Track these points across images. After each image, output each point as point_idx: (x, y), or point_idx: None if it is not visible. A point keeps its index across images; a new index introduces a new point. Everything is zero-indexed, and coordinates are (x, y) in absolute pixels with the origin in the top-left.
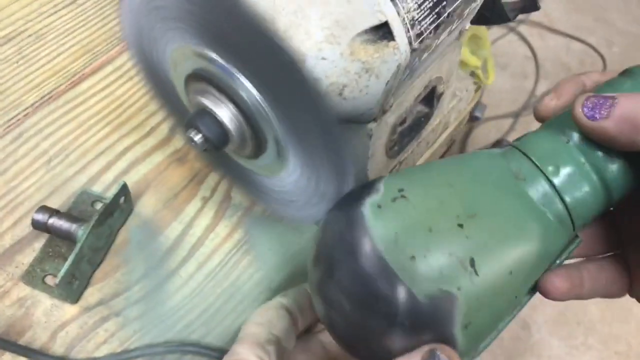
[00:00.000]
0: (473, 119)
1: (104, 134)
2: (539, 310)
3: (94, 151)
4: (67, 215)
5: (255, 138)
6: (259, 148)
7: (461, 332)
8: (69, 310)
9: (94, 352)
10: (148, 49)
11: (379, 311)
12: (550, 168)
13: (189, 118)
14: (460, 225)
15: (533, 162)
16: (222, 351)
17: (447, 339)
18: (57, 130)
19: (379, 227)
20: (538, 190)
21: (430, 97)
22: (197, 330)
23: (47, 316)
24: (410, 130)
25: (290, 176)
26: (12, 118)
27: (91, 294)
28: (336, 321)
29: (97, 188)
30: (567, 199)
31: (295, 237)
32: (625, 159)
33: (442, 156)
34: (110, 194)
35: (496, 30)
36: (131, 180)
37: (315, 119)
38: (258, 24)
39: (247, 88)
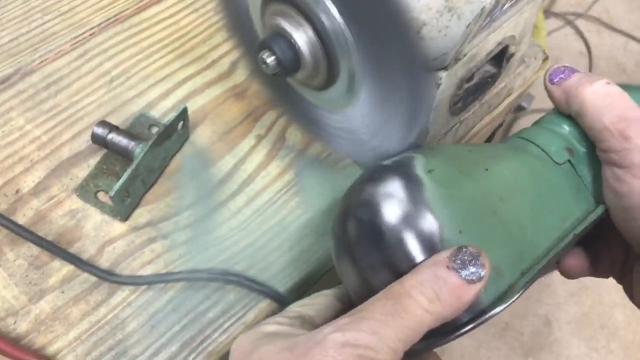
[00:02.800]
0: (519, 109)
1: (165, 62)
2: (562, 308)
3: (154, 77)
4: (126, 133)
5: (329, 68)
6: (330, 79)
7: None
8: (118, 227)
9: (139, 270)
10: None
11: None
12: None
13: (264, 39)
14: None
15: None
16: (264, 285)
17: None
18: (120, 52)
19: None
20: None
21: (500, 57)
22: (241, 262)
23: (96, 230)
24: (475, 88)
25: (357, 112)
26: (79, 35)
27: (140, 215)
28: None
29: (154, 113)
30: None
31: (346, 183)
32: None
33: (486, 141)
34: (166, 120)
35: (553, 22)
36: (189, 109)
37: (403, 56)
38: None
39: (332, 14)
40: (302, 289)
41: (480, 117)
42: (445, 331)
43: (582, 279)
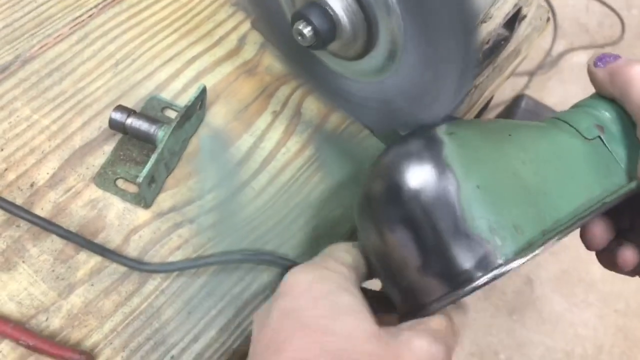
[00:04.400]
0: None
1: (171, 41)
2: (542, 267)
3: (161, 58)
4: (145, 116)
5: (368, 35)
6: (368, 46)
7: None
8: (142, 214)
9: (168, 257)
10: None
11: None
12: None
13: (299, 9)
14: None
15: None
16: (297, 263)
17: None
18: (122, 33)
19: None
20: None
21: (513, 20)
22: (271, 241)
23: (120, 219)
24: (490, 52)
25: (394, 80)
26: (77, 18)
27: (163, 200)
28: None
29: (165, 95)
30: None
31: (366, 154)
32: None
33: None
34: (182, 100)
35: None
36: None
37: (451, 14)
38: None
39: None
40: None
41: (492, 79)
42: (461, 285)
43: None
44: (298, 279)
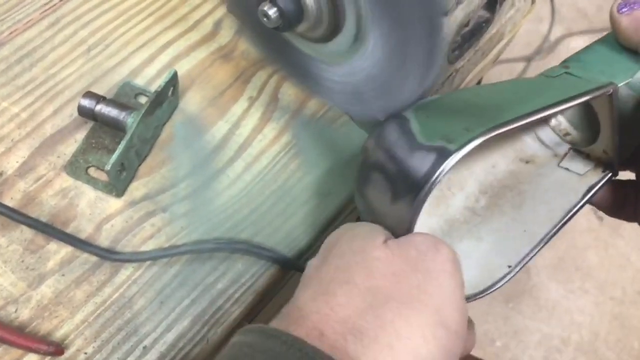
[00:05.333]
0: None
1: (145, 26)
2: (539, 254)
3: (135, 43)
4: (115, 103)
5: (334, 16)
6: (334, 29)
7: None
8: (114, 203)
9: (141, 246)
10: None
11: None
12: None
13: None
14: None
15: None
16: (272, 251)
17: None
18: (95, 18)
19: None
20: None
21: (494, 1)
22: (246, 230)
23: (92, 208)
24: (471, 35)
25: (363, 63)
26: (48, 2)
27: (136, 188)
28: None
29: (139, 81)
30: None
31: (345, 141)
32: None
33: None
34: (156, 86)
35: None
36: None
37: None
38: None
39: None
40: (310, 252)
41: (474, 64)
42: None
43: None
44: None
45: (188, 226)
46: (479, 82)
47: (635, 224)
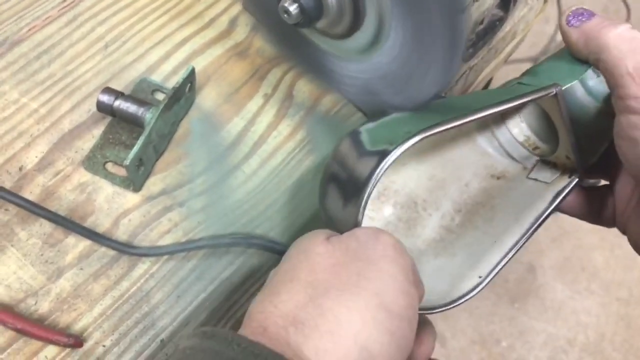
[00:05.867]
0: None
1: (161, 23)
2: (545, 255)
3: (151, 40)
4: (134, 98)
5: (355, 12)
6: (355, 23)
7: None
8: (131, 198)
9: (158, 240)
10: None
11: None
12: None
13: None
14: None
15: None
16: (288, 247)
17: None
18: (112, 15)
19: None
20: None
21: (508, 0)
22: (261, 225)
23: (109, 203)
24: (485, 32)
25: (382, 59)
26: (66, 0)
27: (153, 184)
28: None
29: (155, 77)
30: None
31: None
32: None
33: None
34: (172, 82)
35: None
36: None
37: None
38: None
39: None
40: None
41: (487, 61)
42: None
43: (561, 225)
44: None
45: (205, 221)
46: (489, 82)
47: None
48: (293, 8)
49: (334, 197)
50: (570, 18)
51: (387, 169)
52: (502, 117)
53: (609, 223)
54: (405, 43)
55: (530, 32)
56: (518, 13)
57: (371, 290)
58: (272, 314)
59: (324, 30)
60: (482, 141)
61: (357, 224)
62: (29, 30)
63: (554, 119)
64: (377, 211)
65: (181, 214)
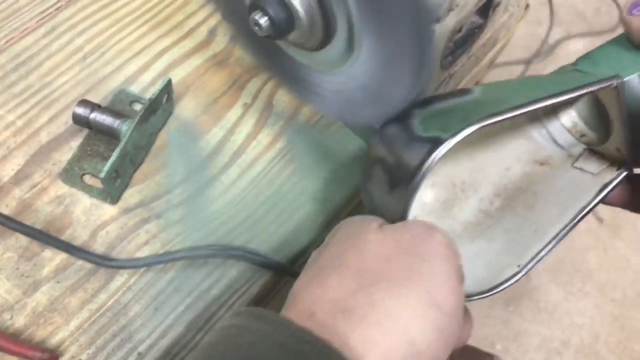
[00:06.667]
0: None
1: (140, 33)
2: None
3: (131, 50)
4: (110, 110)
5: (325, 25)
6: (326, 37)
7: None
8: (109, 210)
9: (136, 252)
10: None
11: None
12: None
13: (255, 0)
14: None
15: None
16: (266, 257)
17: None
18: (91, 26)
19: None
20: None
21: (487, 7)
22: (240, 236)
23: (87, 215)
24: (464, 40)
25: (355, 71)
26: (45, 11)
27: (131, 195)
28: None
29: (134, 89)
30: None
31: (339, 147)
32: None
33: None
34: (151, 93)
35: None
36: None
37: (405, 6)
38: None
39: None
40: (304, 258)
41: (468, 70)
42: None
43: None
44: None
45: (183, 232)
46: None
47: (635, 224)
48: (263, 21)
49: (379, 181)
50: (632, 7)
51: (440, 159)
52: None
53: None
54: (375, 55)
55: (523, 35)
56: (498, 20)
57: (423, 286)
58: (320, 298)
59: (296, 42)
60: (527, 125)
61: (404, 214)
62: (7, 42)
63: (609, 111)
64: None
65: (159, 226)
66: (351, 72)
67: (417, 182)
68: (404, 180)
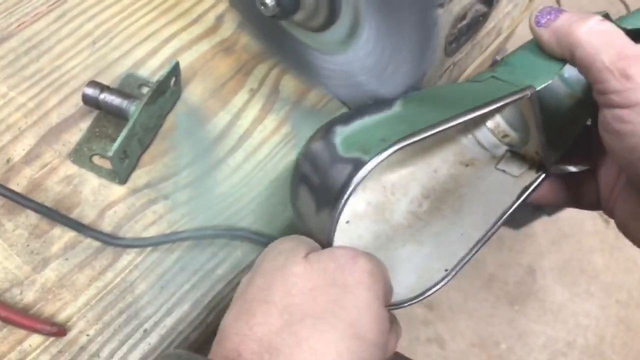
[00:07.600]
0: (494, 63)
1: (149, 19)
2: (544, 257)
3: (139, 36)
4: (119, 91)
5: (330, 5)
6: (331, 18)
7: None
8: (117, 190)
9: (142, 232)
10: None
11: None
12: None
13: None
14: None
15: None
16: (271, 238)
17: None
18: (101, 12)
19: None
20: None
21: None
22: (245, 218)
23: (95, 195)
24: (468, 28)
25: (358, 53)
26: None
27: (139, 176)
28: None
29: (142, 73)
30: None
31: None
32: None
33: None
34: (159, 76)
35: None
36: None
37: None
38: None
39: None
40: None
41: (472, 58)
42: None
43: (561, 227)
44: (267, 249)
45: (189, 213)
46: None
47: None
48: (269, 0)
49: (305, 199)
50: (539, 18)
51: (361, 181)
52: None
53: (591, 207)
54: (378, 37)
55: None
56: (503, 9)
57: (347, 320)
58: (247, 337)
59: (302, 23)
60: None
61: (330, 236)
62: (18, 26)
63: (526, 118)
64: None
65: (166, 206)
66: (356, 54)
67: (340, 207)
68: (329, 203)
